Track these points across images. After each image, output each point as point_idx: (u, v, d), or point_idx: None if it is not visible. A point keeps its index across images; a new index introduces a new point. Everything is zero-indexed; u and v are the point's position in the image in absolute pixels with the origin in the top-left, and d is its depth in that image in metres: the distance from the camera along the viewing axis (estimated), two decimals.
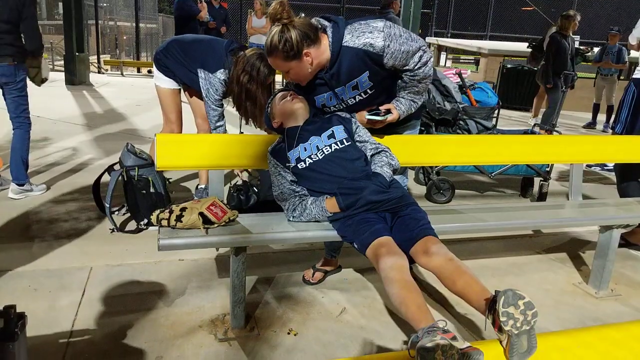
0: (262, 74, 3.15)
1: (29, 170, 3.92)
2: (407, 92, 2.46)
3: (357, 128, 2.49)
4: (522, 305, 1.57)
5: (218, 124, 3.46)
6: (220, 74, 3.29)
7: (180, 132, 3.73)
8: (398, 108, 2.46)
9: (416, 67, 2.34)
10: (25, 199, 3.80)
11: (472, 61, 18.10)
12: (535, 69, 9.06)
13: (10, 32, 3.55)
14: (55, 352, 2.11)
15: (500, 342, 1.66)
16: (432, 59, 2.39)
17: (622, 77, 9.14)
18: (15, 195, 3.80)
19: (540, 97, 8.67)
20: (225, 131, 3.50)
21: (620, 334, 1.87)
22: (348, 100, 2.44)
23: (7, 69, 3.60)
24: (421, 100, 2.52)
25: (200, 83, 3.35)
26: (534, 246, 3.59)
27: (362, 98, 2.43)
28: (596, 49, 9.01)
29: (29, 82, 3.84)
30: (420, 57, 2.33)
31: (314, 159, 2.32)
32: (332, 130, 2.40)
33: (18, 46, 3.61)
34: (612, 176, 5.23)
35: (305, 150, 2.35)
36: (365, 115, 2.44)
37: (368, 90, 2.40)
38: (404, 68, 2.34)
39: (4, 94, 3.73)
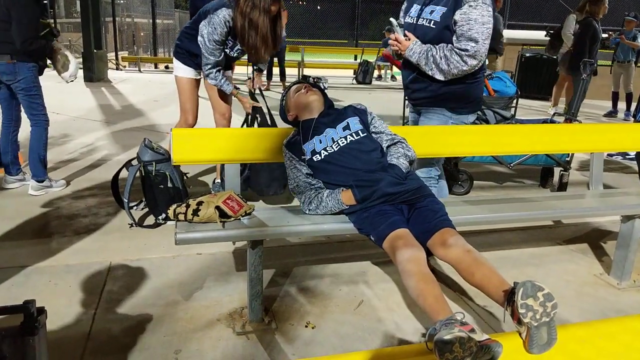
0: (265, 2, 3.17)
1: (49, 166, 3.98)
2: (436, 49, 2.49)
3: (372, 119, 2.48)
4: (542, 296, 1.55)
5: (210, 72, 3.40)
6: (222, 12, 3.23)
7: (195, 122, 3.75)
8: (415, 42, 2.54)
9: (462, 34, 2.42)
10: (45, 194, 3.86)
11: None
12: (555, 57, 8.90)
13: (7, 29, 3.55)
14: (75, 347, 2.14)
15: (520, 334, 1.63)
16: (481, 59, 2.46)
17: (639, 64, 8.96)
18: (35, 192, 3.85)
19: (559, 85, 8.53)
20: (220, 83, 3.45)
21: None
22: (419, 20, 2.59)
23: (6, 67, 3.63)
24: (436, 73, 2.52)
25: (200, 30, 3.28)
26: (554, 237, 3.54)
27: (424, 24, 2.55)
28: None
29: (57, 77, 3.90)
30: (477, 35, 2.41)
31: (329, 151, 2.31)
32: (347, 122, 2.39)
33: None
34: (634, 165, 5.14)
35: (321, 142, 2.35)
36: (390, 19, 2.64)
37: (432, 20, 2.52)
38: (456, 28, 2.44)
39: None
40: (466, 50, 2.41)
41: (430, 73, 2.54)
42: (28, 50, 3.63)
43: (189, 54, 3.52)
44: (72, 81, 4.09)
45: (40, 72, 3.87)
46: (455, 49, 2.44)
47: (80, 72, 10.29)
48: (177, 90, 3.68)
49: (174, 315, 2.40)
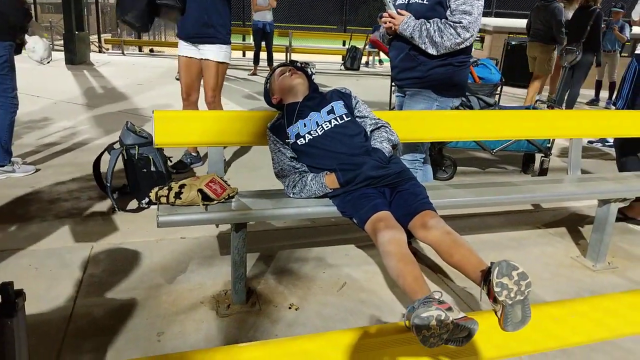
0: None
1: (29, 150, 3.90)
2: (430, 22, 2.53)
3: (356, 103, 2.49)
4: (516, 275, 1.59)
5: None
6: None
7: (191, 97, 3.98)
8: (409, 17, 2.57)
9: (457, 7, 2.47)
10: (26, 177, 3.81)
11: (477, 38, 17.96)
12: None
13: None
14: (56, 330, 2.13)
15: (495, 312, 1.67)
16: (473, 33, 2.51)
17: (625, 54, 9.04)
18: None
19: None
20: None
21: (613, 303, 1.88)
22: None
23: None
24: (429, 46, 2.56)
25: None
26: (534, 221, 3.60)
27: (416, 1, 2.60)
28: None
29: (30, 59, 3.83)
30: (471, 8, 2.46)
31: (313, 135, 2.33)
32: (332, 106, 2.41)
33: None
34: (614, 152, 5.22)
35: (305, 126, 2.36)
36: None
37: None
38: (450, 3, 2.49)
39: None
40: (460, 22, 2.47)
41: (423, 47, 2.57)
42: (26, 25, 3.60)
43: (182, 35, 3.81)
44: (47, 63, 4.02)
45: (18, 51, 3.80)
46: (449, 22, 2.50)
47: (61, 55, 10.18)
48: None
49: (157, 299, 2.40)
